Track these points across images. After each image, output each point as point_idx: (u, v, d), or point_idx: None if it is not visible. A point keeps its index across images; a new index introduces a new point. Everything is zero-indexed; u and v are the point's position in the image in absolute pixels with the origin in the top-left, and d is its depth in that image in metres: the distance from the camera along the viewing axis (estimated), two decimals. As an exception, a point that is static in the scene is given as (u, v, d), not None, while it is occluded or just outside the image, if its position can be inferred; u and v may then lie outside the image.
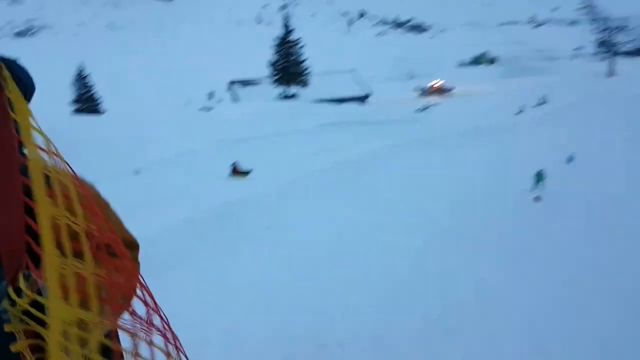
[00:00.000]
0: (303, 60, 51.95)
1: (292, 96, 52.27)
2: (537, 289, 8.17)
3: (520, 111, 42.07)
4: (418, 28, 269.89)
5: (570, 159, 20.09)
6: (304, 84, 52.14)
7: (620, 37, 75.64)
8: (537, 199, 14.29)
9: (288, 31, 51.56)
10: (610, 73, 72.84)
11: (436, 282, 8.39)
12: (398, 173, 18.03)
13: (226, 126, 29.39)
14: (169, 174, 18.67)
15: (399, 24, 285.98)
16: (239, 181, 16.25)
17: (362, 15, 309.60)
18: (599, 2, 74.51)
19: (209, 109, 42.03)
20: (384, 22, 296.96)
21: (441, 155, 21.81)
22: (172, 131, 27.35)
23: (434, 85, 71.36)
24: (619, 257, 9.75)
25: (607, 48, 76.21)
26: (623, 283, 8.40)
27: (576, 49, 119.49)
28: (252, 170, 17.38)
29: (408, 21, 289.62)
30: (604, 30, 76.23)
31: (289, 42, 51.54)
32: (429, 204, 13.81)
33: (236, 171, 17.30)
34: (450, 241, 10.63)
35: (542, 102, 47.49)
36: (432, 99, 62.28)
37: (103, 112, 42.99)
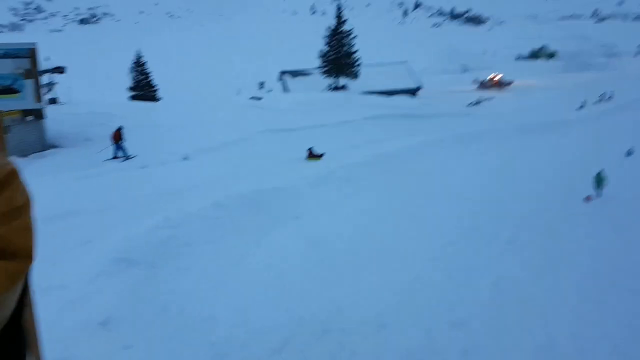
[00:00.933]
0: (354, 52, 51.66)
1: (342, 87, 52.21)
2: (560, 290, 8.04)
3: (582, 106, 40.92)
4: (475, 20, 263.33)
5: (629, 153, 19.78)
6: (354, 75, 51.90)
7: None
8: (588, 198, 13.93)
9: (340, 22, 51.35)
10: (677, 70, 69.08)
11: (455, 276, 8.43)
12: (439, 167, 17.84)
13: (275, 116, 29.74)
14: (215, 161, 19.16)
15: (455, 15, 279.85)
16: (313, 163, 17.92)
17: (417, 5, 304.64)
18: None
19: (259, 98, 42.57)
20: (440, 13, 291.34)
21: (490, 149, 21.38)
22: (222, 120, 27.94)
23: (493, 79, 69.58)
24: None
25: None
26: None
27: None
28: (324, 153, 19.11)
29: (465, 12, 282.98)
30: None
31: (340, 32, 51.35)
32: (465, 200, 13.65)
33: (312, 155, 19.12)
34: (481, 237, 10.54)
35: (606, 97, 45.74)
36: (488, 93, 60.80)
37: (158, 99, 44.12)
